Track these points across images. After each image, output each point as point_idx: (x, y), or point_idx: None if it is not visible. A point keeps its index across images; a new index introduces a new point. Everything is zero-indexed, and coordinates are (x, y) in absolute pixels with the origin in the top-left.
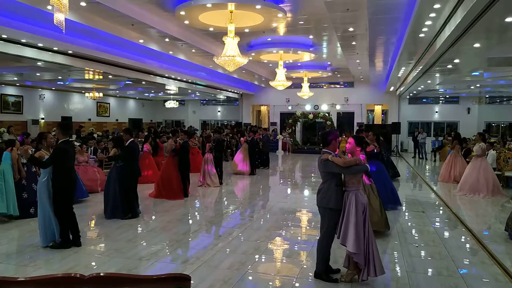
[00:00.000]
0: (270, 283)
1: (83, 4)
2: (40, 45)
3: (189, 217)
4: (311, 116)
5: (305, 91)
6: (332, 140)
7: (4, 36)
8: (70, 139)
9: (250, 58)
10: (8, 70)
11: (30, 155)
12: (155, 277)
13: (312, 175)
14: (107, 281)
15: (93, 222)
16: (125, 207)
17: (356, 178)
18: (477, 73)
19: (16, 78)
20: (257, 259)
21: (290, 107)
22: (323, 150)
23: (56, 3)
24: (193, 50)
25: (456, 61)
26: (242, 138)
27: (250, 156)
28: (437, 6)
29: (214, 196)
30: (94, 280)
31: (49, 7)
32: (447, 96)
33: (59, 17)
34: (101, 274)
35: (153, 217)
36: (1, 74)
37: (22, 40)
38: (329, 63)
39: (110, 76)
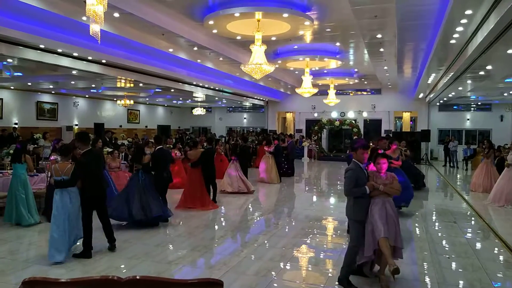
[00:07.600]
0: None
1: (116, 15)
2: (75, 54)
3: (215, 223)
4: (337, 123)
5: (331, 98)
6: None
7: (41, 46)
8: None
9: (277, 66)
10: (44, 78)
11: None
12: (189, 281)
13: (338, 182)
14: (143, 284)
15: (122, 225)
16: None
17: None
18: (510, 80)
19: (51, 86)
20: (283, 267)
21: (316, 114)
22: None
23: (92, 14)
24: (221, 59)
25: (489, 67)
26: (266, 147)
27: (277, 164)
28: (468, 12)
29: (239, 203)
30: (130, 283)
31: (84, 18)
32: (479, 103)
33: (95, 28)
34: (137, 277)
35: (180, 222)
36: (37, 82)
37: (58, 50)
38: (356, 70)
39: (140, 84)
